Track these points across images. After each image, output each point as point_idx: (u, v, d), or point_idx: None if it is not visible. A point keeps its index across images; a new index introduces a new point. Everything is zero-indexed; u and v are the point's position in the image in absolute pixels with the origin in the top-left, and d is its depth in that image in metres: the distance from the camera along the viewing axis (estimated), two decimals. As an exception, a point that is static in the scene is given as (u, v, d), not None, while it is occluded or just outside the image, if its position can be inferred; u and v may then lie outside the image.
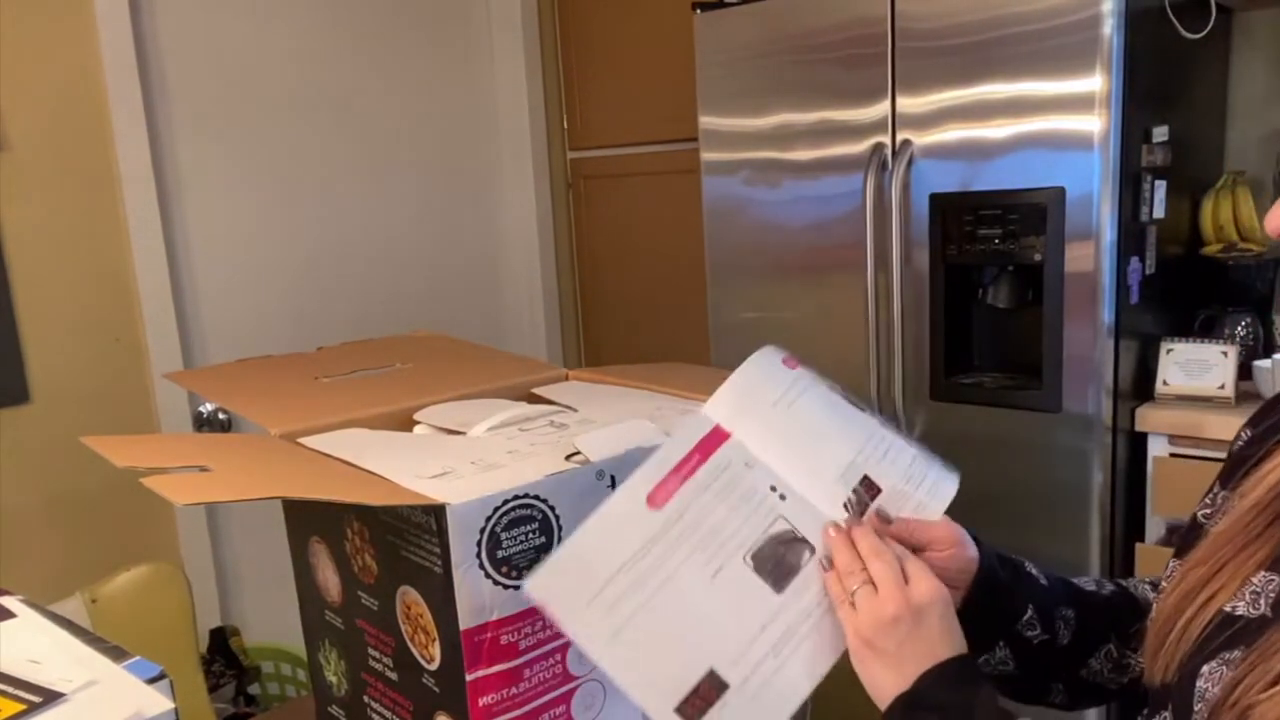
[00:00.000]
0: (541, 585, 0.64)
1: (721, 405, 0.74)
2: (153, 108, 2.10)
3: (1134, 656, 0.82)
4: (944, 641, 0.68)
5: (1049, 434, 1.82)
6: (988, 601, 0.76)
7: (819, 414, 0.76)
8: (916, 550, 0.74)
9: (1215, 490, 0.78)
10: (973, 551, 0.77)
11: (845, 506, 0.73)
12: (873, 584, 0.69)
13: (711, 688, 0.63)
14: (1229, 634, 0.63)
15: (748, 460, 0.72)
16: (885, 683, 0.68)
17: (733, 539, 0.68)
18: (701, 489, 0.69)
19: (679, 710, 0.63)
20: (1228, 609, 0.64)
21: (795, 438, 0.74)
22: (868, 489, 0.74)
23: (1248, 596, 0.64)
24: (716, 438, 0.72)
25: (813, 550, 0.70)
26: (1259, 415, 0.78)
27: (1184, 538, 0.77)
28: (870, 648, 0.68)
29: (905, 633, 0.67)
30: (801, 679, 0.67)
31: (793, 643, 0.67)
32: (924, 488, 0.76)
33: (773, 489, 0.72)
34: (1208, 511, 0.77)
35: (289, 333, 2.34)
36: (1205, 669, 0.63)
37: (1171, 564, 0.77)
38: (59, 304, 1.98)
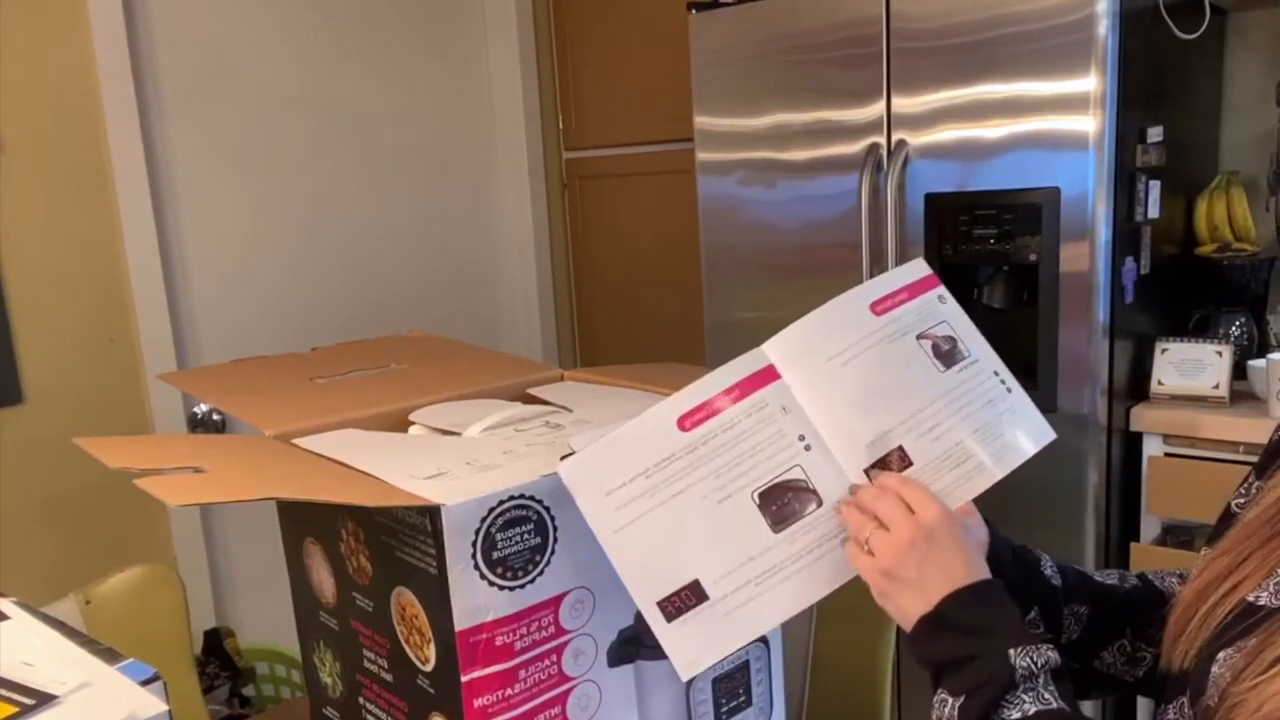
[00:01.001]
0: (572, 468, 0.71)
1: (782, 346, 0.76)
2: (147, 109, 2.10)
3: (1148, 650, 0.82)
4: (962, 563, 0.70)
5: (1044, 434, 1.82)
6: None
7: (876, 374, 0.76)
8: None
9: (1250, 480, 0.78)
10: (984, 551, 0.77)
11: (866, 473, 0.74)
12: (882, 526, 0.71)
13: (692, 595, 0.70)
14: (1248, 623, 0.63)
15: (786, 404, 0.75)
16: (912, 607, 0.70)
17: (747, 474, 0.73)
18: (731, 423, 0.73)
19: (660, 605, 0.70)
20: (1250, 599, 0.65)
21: (839, 396, 0.75)
22: (900, 459, 0.75)
23: (1271, 587, 0.64)
24: (765, 376, 0.75)
25: (820, 503, 0.73)
26: None
27: (1217, 527, 0.78)
28: (893, 579, 0.70)
29: (922, 555, 0.69)
30: (772, 613, 0.72)
31: (773, 580, 0.71)
32: (960, 471, 0.76)
33: (800, 438, 0.74)
34: (1241, 501, 0.77)
35: (283, 333, 2.34)
36: (1221, 655, 0.63)
37: (1205, 552, 0.78)
38: (53, 305, 1.97)
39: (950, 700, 0.67)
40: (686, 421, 0.73)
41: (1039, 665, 0.65)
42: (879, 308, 0.79)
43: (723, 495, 0.72)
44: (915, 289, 0.82)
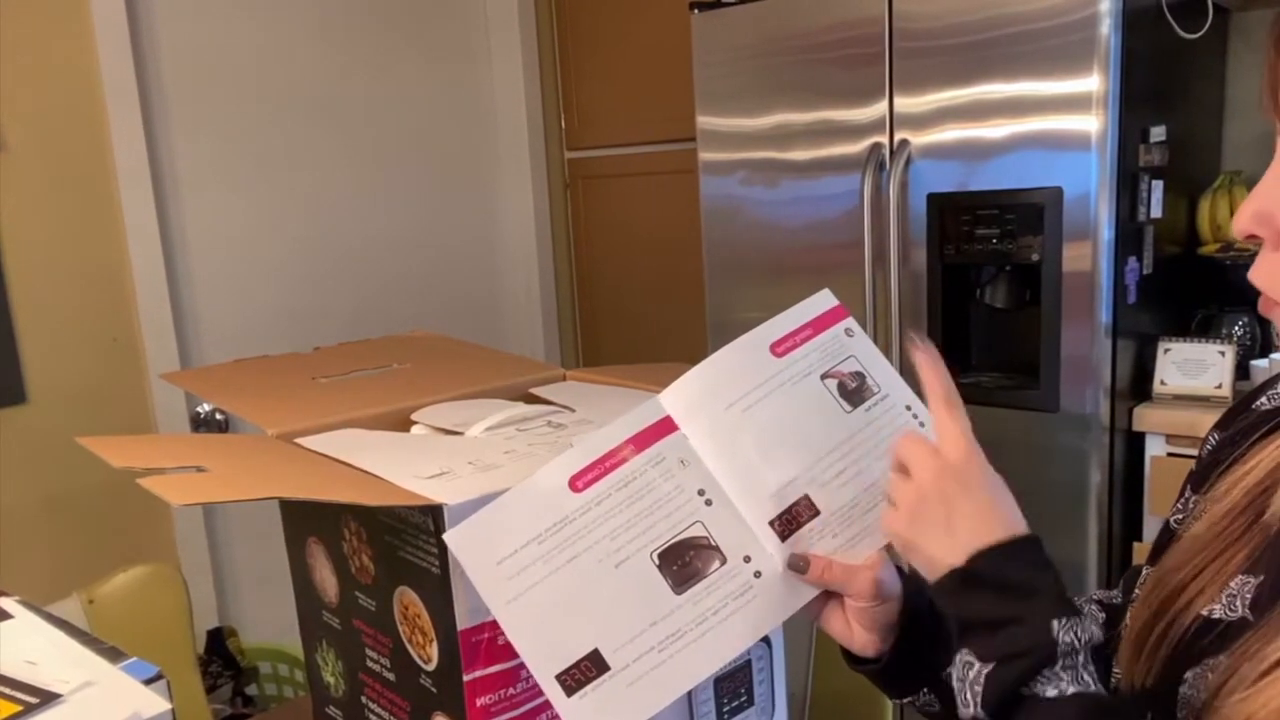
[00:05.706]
0: (459, 538, 0.67)
1: (678, 395, 0.73)
2: (149, 108, 2.10)
3: None
4: (995, 512, 0.64)
5: (1047, 434, 1.82)
6: (908, 654, 0.73)
7: (777, 421, 0.73)
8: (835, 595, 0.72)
9: (1187, 495, 0.76)
10: (896, 604, 0.73)
11: (771, 525, 0.71)
12: (904, 472, 0.67)
13: (592, 666, 0.66)
14: (1210, 639, 0.62)
15: (685, 457, 0.72)
16: (941, 555, 0.63)
17: (645, 534, 0.69)
18: (627, 480, 0.70)
19: (559, 678, 0.66)
20: (1204, 613, 0.63)
21: (739, 446, 0.72)
22: (808, 509, 0.72)
23: (1224, 600, 0.63)
24: (662, 428, 0.72)
25: (723, 560, 0.70)
26: (1226, 418, 0.76)
27: (1157, 544, 0.76)
28: (918, 522, 0.65)
29: (950, 494, 0.64)
30: (679, 679, 0.68)
31: (678, 644, 0.68)
32: (869, 518, 0.72)
33: (700, 493, 0.71)
34: (1179, 517, 0.75)
35: (286, 333, 2.34)
36: (1189, 675, 0.62)
37: (1146, 570, 0.76)
38: (56, 304, 1.97)
39: (978, 665, 0.61)
40: (579, 481, 0.69)
41: (1082, 641, 0.60)
42: (779, 348, 0.77)
43: (620, 558, 0.68)
44: (820, 323, 0.78)
